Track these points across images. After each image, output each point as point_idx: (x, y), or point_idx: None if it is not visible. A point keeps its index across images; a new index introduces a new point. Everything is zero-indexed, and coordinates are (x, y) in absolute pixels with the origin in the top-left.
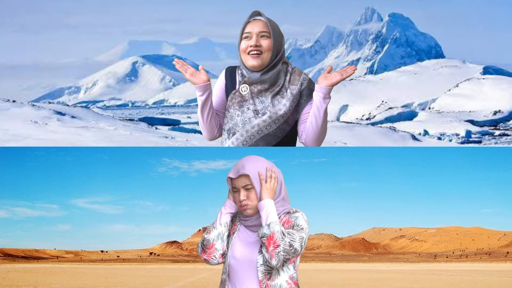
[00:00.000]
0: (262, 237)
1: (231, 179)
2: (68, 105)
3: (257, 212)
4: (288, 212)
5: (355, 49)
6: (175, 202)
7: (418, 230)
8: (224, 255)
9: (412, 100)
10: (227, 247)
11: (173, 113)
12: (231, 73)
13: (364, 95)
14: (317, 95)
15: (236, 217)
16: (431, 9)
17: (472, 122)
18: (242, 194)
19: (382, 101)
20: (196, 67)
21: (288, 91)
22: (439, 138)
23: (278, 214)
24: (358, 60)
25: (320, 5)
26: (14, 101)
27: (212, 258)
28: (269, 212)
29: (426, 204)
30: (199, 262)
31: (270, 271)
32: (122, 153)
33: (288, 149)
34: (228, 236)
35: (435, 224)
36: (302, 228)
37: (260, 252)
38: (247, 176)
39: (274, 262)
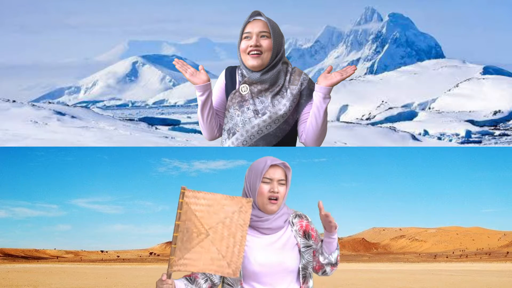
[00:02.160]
0: (335, 263)
1: (270, 167)
2: (68, 105)
3: (278, 210)
4: (298, 215)
5: (355, 49)
6: (175, 202)
7: (418, 230)
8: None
9: (412, 100)
10: None
11: (173, 113)
12: (231, 73)
13: (364, 95)
14: (317, 95)
15: None
16: (431, 9)
17: (472, 122)
18: (276, 186)
19: (382, 101)
20: (196, 67)
21: (288, 91)
22: (439, 138)
23: (287, 218)
24: (358, 60)
25: (320, 5)
26: (14, 101)
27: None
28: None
29: (426, 204)
30: None
31: (305, 275)
32: (122, 153)
33: (288, 149)
34: None
35: (435, 224)
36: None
37: (298, 257)
38: (284, 170)
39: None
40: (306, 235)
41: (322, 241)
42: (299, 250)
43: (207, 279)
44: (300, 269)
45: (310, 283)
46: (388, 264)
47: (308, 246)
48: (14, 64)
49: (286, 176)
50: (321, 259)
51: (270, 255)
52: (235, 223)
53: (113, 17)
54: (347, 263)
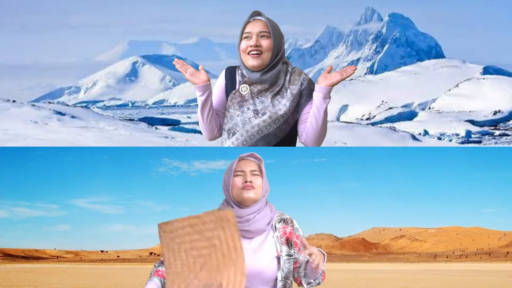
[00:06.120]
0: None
1: (239, 161)
2: (68, 105)
3: (255, 201)
4: (283, 220)
5: (355, 49)
6: (175, 202)
7: (418, 230)
8: None
9: (412, 100)
10: None
11: (173, 113)
12: (231, 73)
13: (364, 95)
14: (317, 95)
15: None
16: (431, 9)
17: (472, 122)
18: (249, 176)
19: (382, 101)
20: (196, 67)
21: (288, 91)
22: (439, 138)
23: (270, 221)
24: (358, 60)
25: (320, 5)
26: (14, 101)
27: None
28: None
29: (426, 204)
30: None
31: (285, 285)
32: (122, 153)
33: (288, 149)
34: None
35: (435, 224)
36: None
37: (276, 266)
38: (256, 162)
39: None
40: (289, 243)
41: (307, 261)
42: (278, 259)
43: None
44: (281, 278)
45: None
46: (388, 264)
47: (290, 255)
48: (14, 64)
49: (260, 168)
50: (303, 280)
51: (247, 262)
52: (225, 241)
53: (113, 17)
54: (347, 263)
